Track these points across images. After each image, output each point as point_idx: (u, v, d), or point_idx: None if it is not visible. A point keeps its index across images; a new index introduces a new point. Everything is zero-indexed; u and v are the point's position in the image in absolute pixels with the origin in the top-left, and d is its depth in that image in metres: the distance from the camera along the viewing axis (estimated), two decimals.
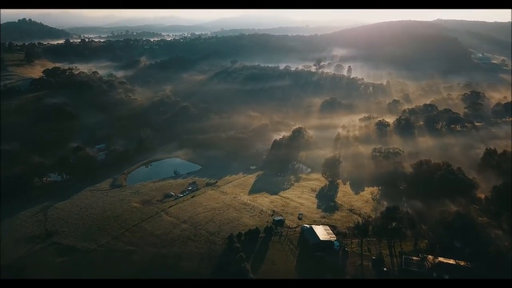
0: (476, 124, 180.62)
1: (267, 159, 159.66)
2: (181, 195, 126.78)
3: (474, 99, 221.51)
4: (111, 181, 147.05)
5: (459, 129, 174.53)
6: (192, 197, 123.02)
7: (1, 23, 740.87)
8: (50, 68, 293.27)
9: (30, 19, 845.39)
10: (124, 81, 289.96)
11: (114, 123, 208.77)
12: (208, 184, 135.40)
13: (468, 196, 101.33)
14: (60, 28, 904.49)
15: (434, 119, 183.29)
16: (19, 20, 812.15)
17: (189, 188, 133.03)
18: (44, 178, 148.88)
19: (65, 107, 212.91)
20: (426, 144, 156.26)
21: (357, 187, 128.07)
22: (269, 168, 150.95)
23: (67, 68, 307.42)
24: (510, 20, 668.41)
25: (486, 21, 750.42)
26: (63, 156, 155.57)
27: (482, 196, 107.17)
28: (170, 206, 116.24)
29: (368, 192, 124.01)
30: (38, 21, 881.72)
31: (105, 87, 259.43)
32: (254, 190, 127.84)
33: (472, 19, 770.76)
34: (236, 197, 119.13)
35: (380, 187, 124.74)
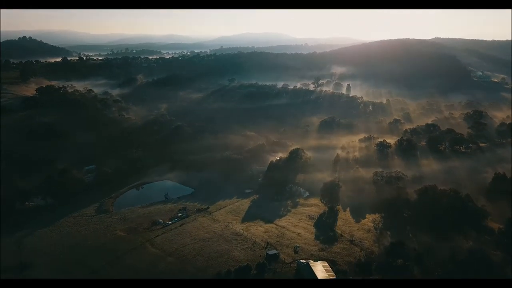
0: (481, 145, 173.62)
1: (262, 182, 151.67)
2: (170, 223, 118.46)
3: (477, 118, 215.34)
4: (97, 206, 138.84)
5: (463, 150, 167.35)
6: (181, 225, 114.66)
7: (1, 41, 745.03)
8: (43, 86, 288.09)
9: (30, 37, 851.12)
10: (118, 99, 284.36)
11: (106, 142, 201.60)
12: (199, 210, 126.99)
13: (479, 227, 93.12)
14: (61, 46, 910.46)
15: (437, 139, 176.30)
16: (19, 38, 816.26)
17: (179, 214, 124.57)
18: (26, 203, 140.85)
19: (56, 126, 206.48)
20: (429, 167, 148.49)
21: (358, 214, 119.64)
22: (265, 192, 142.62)
23: (61, 86, 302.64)
24: (509, 39, 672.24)
25: (484, 39, 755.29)
26: (48, 178, 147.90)
27: (493, 225, 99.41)
28: (157, 236, 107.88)
29: (370, 219, 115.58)
30: (39, 39, 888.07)
31: (99, 106, 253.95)
32: (248, 217, 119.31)
33: (470, 38, 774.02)
34: (228, 226, 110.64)
35: (382, 214, 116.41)
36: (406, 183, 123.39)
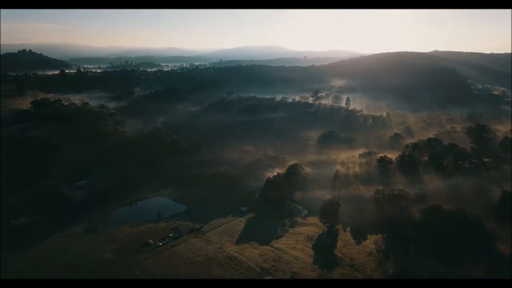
0: (485, 160, 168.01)
1: (259, 200, 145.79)
2: (161, 244, 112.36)
3: (479, 132, 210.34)
4: (87, 224, 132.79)
5: (467, 165, 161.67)
6: (172, 246, 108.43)
7: (1, 53, 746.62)
8: (38, 99, 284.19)
9: (30, 50, 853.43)
10: (114, 112, 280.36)
11: (99, 157, 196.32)
12: (192, 230, 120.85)
13: (489, 251, 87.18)
14: (61, 59, 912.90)
15: (439, 155, 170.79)
16: (19, 51, 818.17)
17: (170, 234, 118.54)
18: (12, 220, 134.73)
19: (49, 140, 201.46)
20: (433, 184, 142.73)
21: (359, 234, 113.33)
22: (261, 210, 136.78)
23: (57, 99, 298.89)
24: (509, 52, 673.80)
25: (483, 52, 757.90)
26: (36, 194, 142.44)
27: (502, 247, 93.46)
28: (146, 259, 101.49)
29: (372, 241, 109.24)
30: (40, 52, 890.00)
31: (94, 119, 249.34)
32: (243, 238, 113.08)
33: (469, 51, 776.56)
34: (221, 248, 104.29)
35: (384, 235, 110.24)
36: (409, 201, 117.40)
